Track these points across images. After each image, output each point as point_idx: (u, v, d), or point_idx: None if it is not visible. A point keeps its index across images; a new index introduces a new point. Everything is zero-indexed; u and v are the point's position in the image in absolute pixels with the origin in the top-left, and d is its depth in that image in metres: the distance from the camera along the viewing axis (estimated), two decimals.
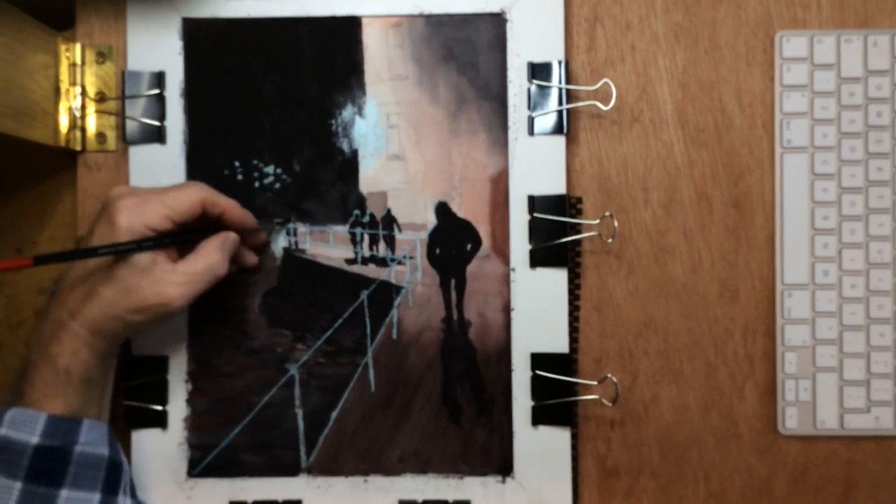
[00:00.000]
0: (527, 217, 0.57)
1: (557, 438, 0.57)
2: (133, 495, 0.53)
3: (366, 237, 0.58)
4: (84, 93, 0.58)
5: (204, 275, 0.50)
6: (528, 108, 0.58)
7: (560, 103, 0.57)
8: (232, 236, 0.53)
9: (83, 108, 0.58)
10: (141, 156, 0.58)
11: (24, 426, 0.47)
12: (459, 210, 0.58)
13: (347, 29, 0.58)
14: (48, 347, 0.49)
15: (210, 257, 0.51)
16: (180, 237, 0.51)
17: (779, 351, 0.58)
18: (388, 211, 0.58)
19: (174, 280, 0.49)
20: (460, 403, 0.58)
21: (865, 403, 0.57)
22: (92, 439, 0.49)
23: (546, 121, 0.57)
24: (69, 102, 0.58)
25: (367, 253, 0.58)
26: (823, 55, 0.58)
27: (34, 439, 0.47)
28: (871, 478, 0.58)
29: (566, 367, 0.57)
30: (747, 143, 0.59)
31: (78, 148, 0.58)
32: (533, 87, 0.57)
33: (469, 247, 0.58)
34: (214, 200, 0.52)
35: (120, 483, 0.51)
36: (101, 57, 0.59)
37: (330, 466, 0.58)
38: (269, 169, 0.58)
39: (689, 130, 0.59)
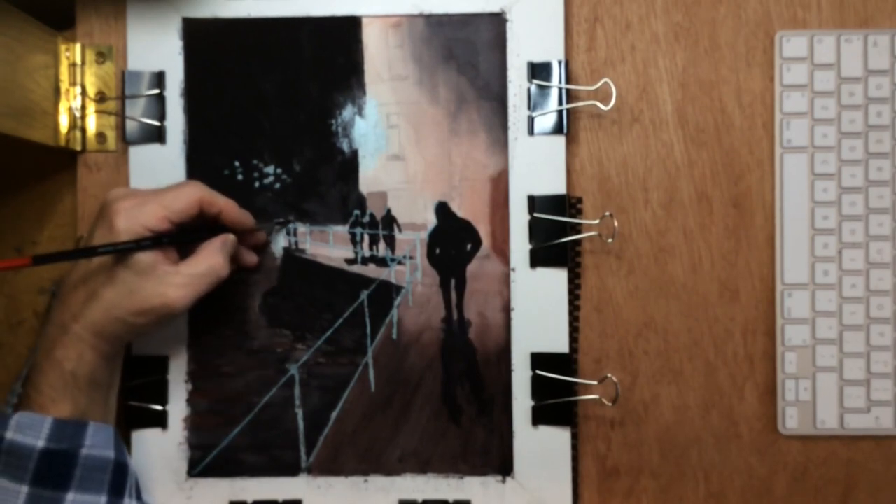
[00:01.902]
0: (527, 217, 0.57)
1: (557, 438, 0.57)
2: (138, 497, 0.53)
3: (366, 237, 0.58)
4: (84, 93, 0.58)
5: (206, 276, 0.50)
6: (528, 108, 0.58)
7: (560, 103, 0.57)
8: (231, 237, 0.53)
9: (83, 108, 0.58)
10: (141, 156, 0.58)
11: (30, 430, 0.47)
12: (459, 210, 0.58)
13: (347, 29, 0.58)
14: (53, 351, 0.49)
15: (212, 259, 0.51)
16: (179, 238, 0.51)
17: (779, 351, 0.58)
18: (388, 211, 0.58)
19: (177, 282, 0.49)
20: (460, 403, 0.58)
21: (865, 403, 0.57)
22: (98, 442, 0.49)
23: (546, 121, 0.57)
24: (69, 102, 0.58)
25: (367, 253, 0.58)
26: (823, 55, 0.58)
27: (40, 443, 0.47)
28: (871, 478, 0.58)
29: (566, 367, 0.57)
30: (747, 143, 0.59)
31: (78, 148, 0.58)
32: (533, 87, 0.58)
33: (469, 247, 0.58)
34: (212, 200, 0.52)
35: (126, 485, 0.51)
36: (101, 57, 0.59)
37: (330, 466, 0.58)
38: (269, 169, 0.58)
39: (689, 130, 0.59)
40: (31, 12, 0.54)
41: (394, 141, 0.58)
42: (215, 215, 0.52)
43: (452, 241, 0.58)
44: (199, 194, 0.51)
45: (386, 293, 0.58)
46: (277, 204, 0.58)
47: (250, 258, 0.57)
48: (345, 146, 0.58)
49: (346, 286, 0.58)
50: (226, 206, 0.53)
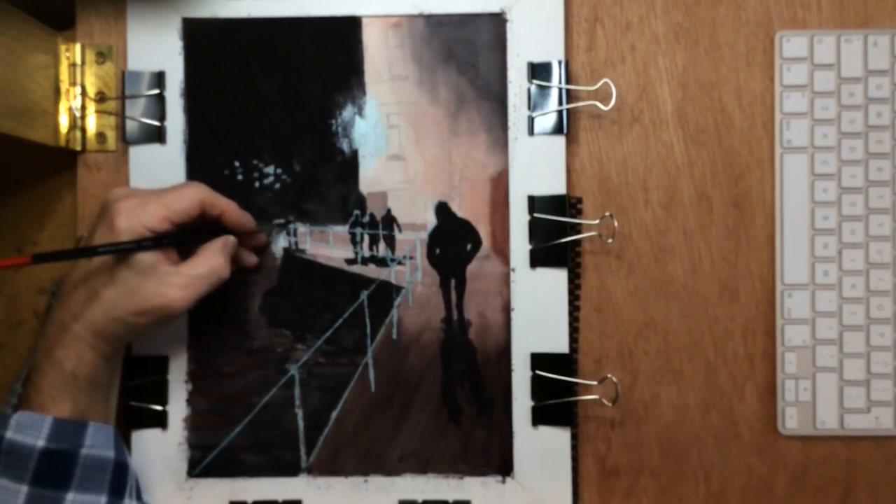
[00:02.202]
0: (527, 217, 0.57)
1: (557, 438, 0.57)
2: (138, 497, 0.53)
3: (366, 237, 0.58)
4: (84, 93, 0.58)
5: (207, 278, 0.50)
6: (528, 108, 0.58)
7: (560, 103, 0.57)
8: (232, 239, 0.53)
9: (83, 108, 0.58)
10: (141, 156, 0.58)
11: (30, 429, 0.47)
12: (459, 210, 0.58)
13: (347, 29, 0.58)
14: (53, 351, 0.49)
15: (213, 260, 0.51)
16: (180, 239, 0.51)
17: (779, 351, 0.58)
18: (388, 211, 0.58)
19: (177, 283, 0.49)
20: (460, 403, 0.58)
21: (865, 403, 0.57)
22: (98, 442, 0.49)
23: (546, 121, 0.57)
24: (69, 102, 0.58)
25: (367, 253, 0.58)
26: (823, 55, 0.58)
27: (40, 442, 0.47)
28: (871, 478, 0.58)
29: (566, 367, 0.57)
30: (747, 143, 0.59)
31: (78, 148, 0.58)
32: (533, 87, 0.57)
33: (469, 247, 0.58)
34: (213, 201, 0.52)
35: (126, 485, 0.51)
36: (101, 57, 0.59)
37: (330, 466, 0.58)
38: (269, 169, 0.58)
39: (689, 130, 0.59)
40: (31, 12, 0.54)
41: (394, 141, 0.58)
42: (217, 217, 0.52)
43: (452, 241, 0.58)
44: (200, 195, 0.51)
45: (386, 293, 0.58)
46: (277, 204, 0.58)
47: (250, 259, 0.57)
48: (345, 146, 0.58)
49: (346, 286, 0.58)
50: (227, 207, 0.53)
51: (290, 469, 0.58)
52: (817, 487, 0.58)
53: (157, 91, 0.58)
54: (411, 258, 0.58)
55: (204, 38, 0.58)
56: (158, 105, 0.58)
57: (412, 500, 0.58)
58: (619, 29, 0.59)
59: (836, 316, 0.57)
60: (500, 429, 0.58)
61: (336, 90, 0.58)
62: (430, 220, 0.58)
